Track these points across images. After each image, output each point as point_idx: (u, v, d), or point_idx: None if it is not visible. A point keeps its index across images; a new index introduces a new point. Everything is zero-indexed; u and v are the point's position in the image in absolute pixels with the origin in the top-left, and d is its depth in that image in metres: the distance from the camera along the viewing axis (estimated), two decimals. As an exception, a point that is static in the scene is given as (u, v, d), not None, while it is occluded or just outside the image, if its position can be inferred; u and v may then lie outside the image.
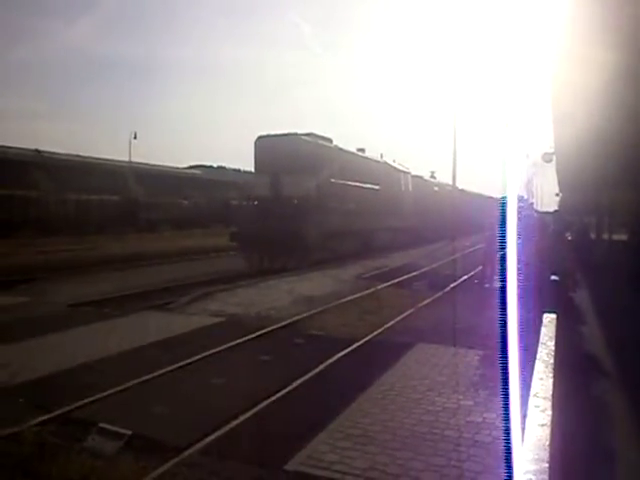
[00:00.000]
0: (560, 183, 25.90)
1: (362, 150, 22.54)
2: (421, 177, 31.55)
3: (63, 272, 14.54)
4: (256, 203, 17.65)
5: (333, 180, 17.99)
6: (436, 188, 33.55)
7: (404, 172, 26.78)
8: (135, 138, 35.07)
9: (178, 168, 37.81)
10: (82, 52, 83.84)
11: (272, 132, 17.62)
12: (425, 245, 25.22)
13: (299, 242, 15.61)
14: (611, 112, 7.39)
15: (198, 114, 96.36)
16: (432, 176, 36.31)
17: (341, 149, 19.67)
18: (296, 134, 17.59)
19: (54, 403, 4.87)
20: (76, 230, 23.62)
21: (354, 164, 20.43)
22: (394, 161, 25.91)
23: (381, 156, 24.74)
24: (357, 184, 19.98)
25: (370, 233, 21.00)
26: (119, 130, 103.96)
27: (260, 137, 17.60)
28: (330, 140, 19.19)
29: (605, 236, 23.15)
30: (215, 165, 40.20)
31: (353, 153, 21.21)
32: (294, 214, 15.78)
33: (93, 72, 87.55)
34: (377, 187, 21.97)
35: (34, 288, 12.22)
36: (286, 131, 17.59)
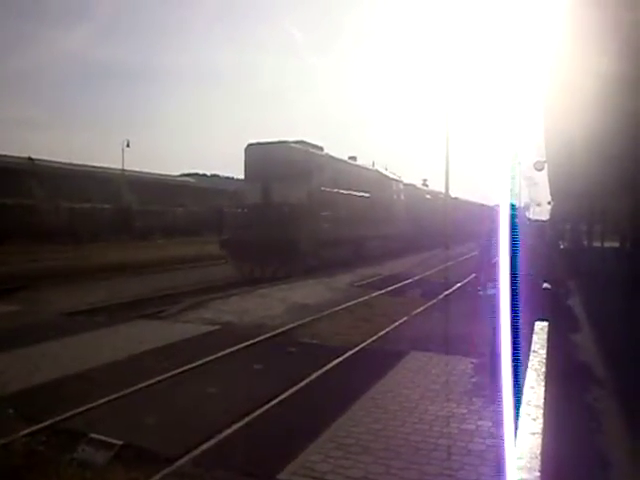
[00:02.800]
0: (552, 191, 26.04)
1: (353, 158, 22.61)
2: (413, 185, 31.75)
3: (55, 280, 14.44)
4: (246, 211, 17.52)
5: (324, 188, 17.93)
6: (428, 196, 33.69)
7: (395, 180, 26.88)
8: (128, 146, 35.05)
9: (171, 176, 37.83)
10: (78, 59, 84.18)
11: (264, 140, 17.59)
12: (418, 253, 25.26)
13: (290, 250, 15.53)
14: (603, 119, 7.44)
15: (192, 122, 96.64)
16: (424, 184, 36.49)
17: (332, 157, 19.65)
18: (286, 142, 17.51)
19: (45, 413, 4.82)
20: (69, 238, 23.54)
21: (345, 172, 20.41)
22: (386, 169, 26.07)
23: (372, 164, 24.88)
24: (348, 192, 19.97)
25: (361, 241, 20.96)
26: (113, 137, 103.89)
27: (250, 145, 17.50)
28: (321, 148, 19.16)
29: (597, 243, 23.28)
30: (209, 173, 40.29)
31: (344, 161, 21.22)
32: (284, 222, 15.68)
33: (89, 79, 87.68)
34: (368, 195, 21.98)
35: (26, 297, 12.14)
36: (276, 139, 17.57)
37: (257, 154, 17.16)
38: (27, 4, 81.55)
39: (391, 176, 26.35)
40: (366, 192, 21.76)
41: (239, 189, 20.79)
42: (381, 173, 25.02)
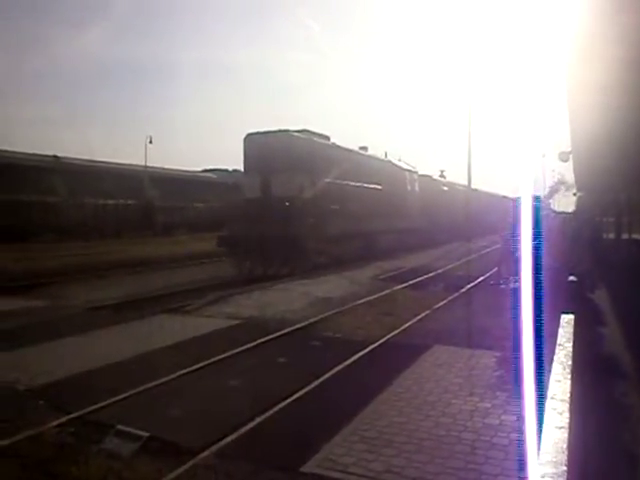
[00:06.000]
0: (577, 182, 25.54)
1: (364, 148, 21.61)
2: (429, 176, 30.61)
3: (81, 276, 14.72)
4: (245, 205, 16.61)
5: (329, 180, 16.92)
6: (445, 188, 32.63)
7: (409, 171, 25.69)
8: (151, 142, 35.37)
9: (193, 172, 38.13)
10: (96, 57, 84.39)
11: (265, 129, 16.65)
12: (438, 247, 24.96)
13: (292, 247, 14.75)
14: (630, 109, 7.27)
15: (213, 117, 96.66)
16: (441, 175, 35.61)
17: (339, 147, 18.63)
18: (288, 130, 16.59)
19: (73, 405, 4.93)
20: (93, 234, 23.96)
21: (354, 163, 19.22)
22: (399, 160, 25.04)
23: (385, 155, 23.93)
24: (357, 184, 18.99)
25: (373, 236, 19.85)
26: (135, 134, 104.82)
27: (249, 134, 16.58)
28: (327, 137, 18.23)
29: (625, 236, 22.79)
30: (230, 169, 40.37)
31: (352, 151, 20.12)
32: (286, 216, 14.79)
33: (107, 77, 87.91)
34: (379, 187, 20.96)
35: (53, 292, 12.37)
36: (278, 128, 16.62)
37: (257, 144, 16.23)
38: (42, 4, 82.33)
39: (405, 167, 25.27)
40: (377, 184, 20.77)
41: (238, 182, 19.89)
42: (394, 164, 24.02)
